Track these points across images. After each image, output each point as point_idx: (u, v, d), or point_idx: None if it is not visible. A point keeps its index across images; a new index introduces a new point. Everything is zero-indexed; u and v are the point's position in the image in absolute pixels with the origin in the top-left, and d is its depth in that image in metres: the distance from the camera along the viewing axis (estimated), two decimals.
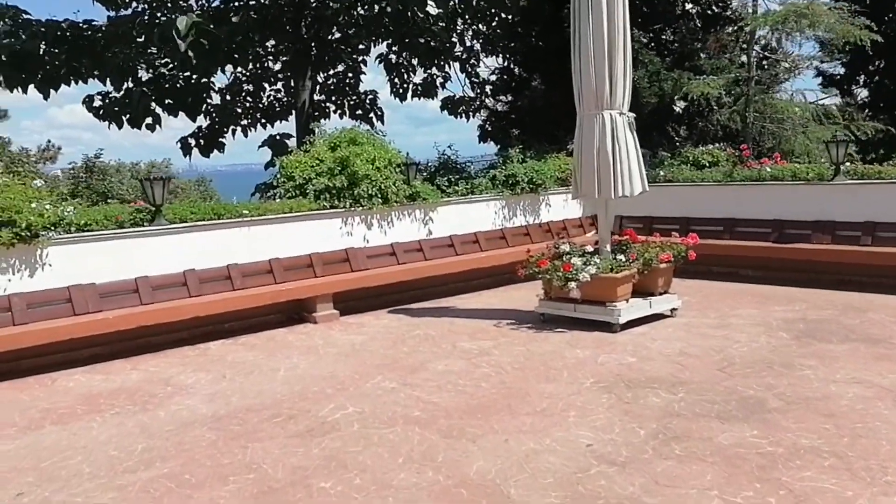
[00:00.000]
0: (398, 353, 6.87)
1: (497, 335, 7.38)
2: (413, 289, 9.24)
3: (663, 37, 13.63)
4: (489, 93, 17.37)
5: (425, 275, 9.18)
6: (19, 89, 12.27)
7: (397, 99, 17.42)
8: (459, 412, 5.21)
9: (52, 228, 6.99)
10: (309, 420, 5.18)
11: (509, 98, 17.40)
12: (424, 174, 10.20)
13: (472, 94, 17.19)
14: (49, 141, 24.31)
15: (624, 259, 7.62)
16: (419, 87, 17.00)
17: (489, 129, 17.36)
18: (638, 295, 7.60)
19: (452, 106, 17.12)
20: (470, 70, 16.81)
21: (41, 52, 11.99)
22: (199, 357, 7.08)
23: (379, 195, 9.13)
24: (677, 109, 13.85)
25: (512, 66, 16.70)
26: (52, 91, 12.66)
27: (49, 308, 6.91)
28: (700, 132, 13.29)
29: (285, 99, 16.63)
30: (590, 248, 7.84)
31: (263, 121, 16.46)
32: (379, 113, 16.95)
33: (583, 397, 5.42)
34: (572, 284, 7.36)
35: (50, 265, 7.00)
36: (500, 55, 16.84)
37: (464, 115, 17.27)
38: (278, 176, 9.36)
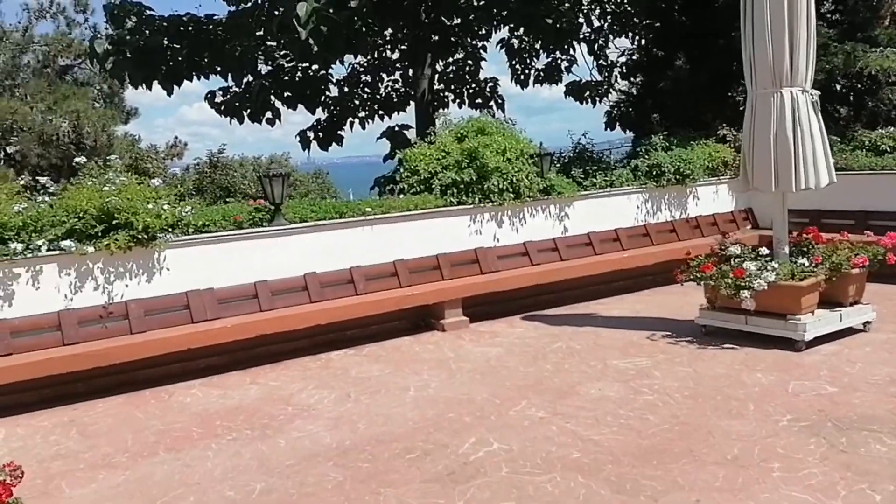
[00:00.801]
0: (541, 372, 6.00)
1: (653, 351, 6.37)
2: (548, 292, 8.33)
3: (824, 5, 11.98)
4: (619, 76, 16.13)
5: (562, 277, 8.25)
6: (143, 86, 12.25)
7: (518, 86, 16.50)
8: (629, 456, 4.28)
9: (170, 230, 6.57)
10: (448, 458, 4.40)
11: (642, 80, 16.04)
12: (557, 165, 9.25)
13: (599, 78, 16.03)
14: (176, 137, 25.09)
15: (807, 263, 6.42)
16: (541, 73, 16.01)
17: (619, 114, 16.11)
18: (823, 306, 6.38)
19: (578, 91, 16.02)
20: (598, 52, 15.63)
21: (164, 48, 11.90)
22: (321, 370, 6.48)
23: (510, 189, 8.27)
24: (838, 87, 12.17)
25: (648, 45, 15.35)
26: (174, 87, 12.60)
27: (167, 315, 6.50)
28: (870, 113, 11.58)
29: (402, 90, 16.07)
30: (764, 250, 6.65)
31: (381, 112, 15.96)
32: (500, 101, 16.07)
33: (782, 441, 4.36)
34: (745, 293, 6.23)
35: (167, 269, 6.58)
36: (634, 34, 15.54)
37: (589, 100, 16.14)
38: (401, 170, 8.68)
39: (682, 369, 5.82)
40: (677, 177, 9.50)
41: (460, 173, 8.18)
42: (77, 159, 6.83)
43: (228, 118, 13.76)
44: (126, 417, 5.58)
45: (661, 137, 9.93)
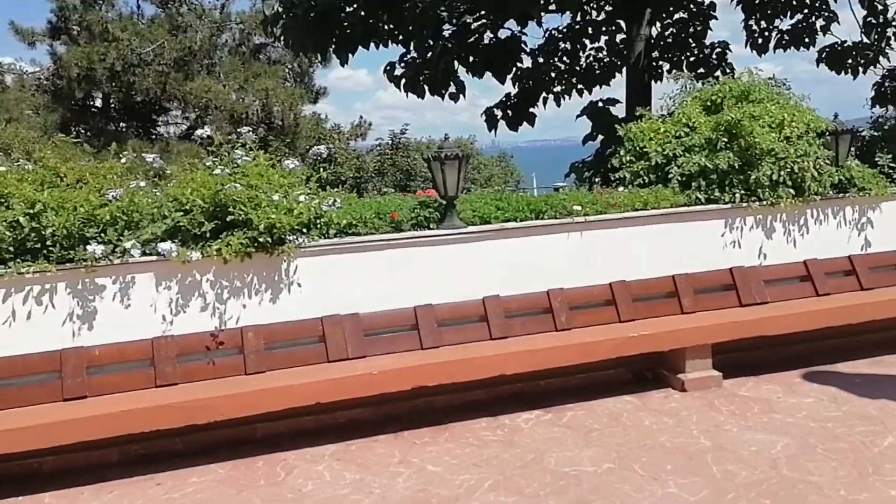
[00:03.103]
0: (881, 499, 3.46)
1: None
2: (838, 335, 5.62)
3: None
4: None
5: (865, 316, 5.50)
6: (313, 55, 10.79)
7: (754, 52, 13.36)
8: None
9: (304, 231, 4.73)
10: None
11: None
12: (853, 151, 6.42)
13: (866, 40, 12.48)
14: (361, 117, 24.14)
15: None
16: (785, 36, 12.76)
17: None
18: None
19: (836, 58, 12.63)
20: (871, 4, 12.09)
21: (338, 9, 10.35)
22: (503, 449, 4.35)
23: (788, 182, 5.64)
24: None
25: None
26: (349, 55, 11.07)
27: (294, 350, 4.69)
28: None
29: (607, 59, 13.58)
30: None
31: (580, 86, 13.57)
32: (728, 72, 13.02)
33: None
34: None
35: (298, 285, 4.75)
36: None
37: (850, 70, 12.72)
38: (620, 153, 6.31)
39: None
40: None
41: (713, 157, 5.69)
42: (242, 128, 5.14)
43: (408, 93, 12.11)
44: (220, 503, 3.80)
45: None
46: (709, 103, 6.23)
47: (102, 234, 4.34)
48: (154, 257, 4.41)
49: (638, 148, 6.17)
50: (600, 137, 11.80)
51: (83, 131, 22.10)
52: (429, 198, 5.33)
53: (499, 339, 5.01)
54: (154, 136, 23.15)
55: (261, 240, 4.52)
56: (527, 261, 5.24)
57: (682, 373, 5.14)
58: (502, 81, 11.52)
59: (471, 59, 10.77)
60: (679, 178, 5.77)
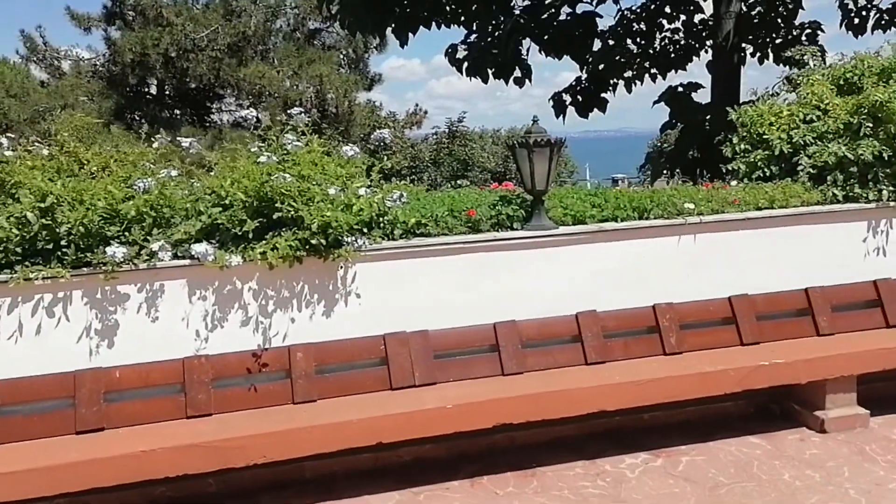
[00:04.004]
0: None
1: None
2: None
3: None
4: None
5: None
6: (371, 36, 10.02)
7: (850, 32, 12.08)
8: None
9: (365, 231, 3.94)
10: None
11: None
12: None
13: None
14: (417, 105, 23.32)
15: None
16: (884, 15, 11.48)
17: None
18: None
19: None
20: None
21: None
22: (605, 500, 3.50)
23: None
24: None
25: None
26: (409, 35, 10.27)
27: (350, 375, 3.91)
28: None
29: (683, 41, 12.51)
30: None
31: (653, 70, 12.52)
32: (819, 54, 11.76)
33: None
34: None
35: (357, 295, 3.97)
36: None
37: None
38: (733, 140, 5.36)
39: None
40: None
41: (853, 146, 4.69)
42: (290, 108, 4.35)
43: (471, 76, 11.28)
44: None
45: None
46: (842, 82, 5.22)
47: (126, 234, 3.62)
48: (187, 261, 3.67)
49: (755, 135, 5.21)
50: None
51: (137, 118, 21.89)
52: (510, 192, 4.49)
53: (595, 364, 4.14)
54: (208, 124, 22.81)
55: (313, 241, 3.74)
56: (629, 269, 4.36)
57: (820, 409, 4.20)
58: (582, 63, 10.62)
59: (544, 37, 9.83)
60: (810, 171, 4.80)
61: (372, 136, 4.37)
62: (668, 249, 4.43)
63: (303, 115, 4.38)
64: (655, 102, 11.82)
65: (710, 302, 4.43)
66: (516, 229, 4.25)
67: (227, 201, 3.76)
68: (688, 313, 4.38)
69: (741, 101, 11.17)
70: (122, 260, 3.50)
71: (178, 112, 22.82)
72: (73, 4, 23.95)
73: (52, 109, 18.75)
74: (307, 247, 3.76)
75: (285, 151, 4.07)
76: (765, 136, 5.14)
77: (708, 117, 11.32)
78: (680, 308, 4.37)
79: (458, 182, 18.05)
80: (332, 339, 3.90)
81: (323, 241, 3.77)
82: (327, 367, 3.88)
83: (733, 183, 5.10)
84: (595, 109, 12.24)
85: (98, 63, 21.90)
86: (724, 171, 5.35)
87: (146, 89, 22.59)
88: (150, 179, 3.77)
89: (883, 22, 11.59)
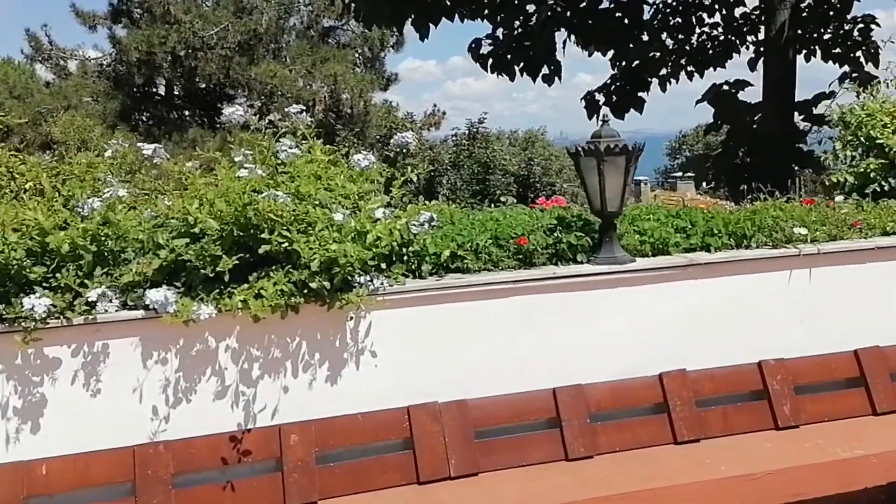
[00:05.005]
0: None
1: None
2: None
3: None
4: None
5: None
6: (388, 30, 9.08)
7: None
8: None
9: (384, 268, 2.94)
10: None
11: None
12: None
13: None
14: (435, 105, 22.35)
15: None
16: None
17: None
18: None
19: None
20: None
21: None
22: None
23: None
24: None
25: None
26: (431, 26, 9.33)
27: (370, 462, 2.91)
28: None
29: (722, 36, 11.49)
30: None
31: (689, 67, 11.50)
32: (872, 51, 10.68)
33: None
34: None
35: (372, 354, 2.97)
36: None
37: None
38: (836, 146, 4.32)
39: None
40: None
41: None
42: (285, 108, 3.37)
43: (497, 73, 10.34)
44: None
45: None
46: None
47: (56, 276, 2.64)
48: (140, 313, 2.69)
49: (866, 139, 4.18)
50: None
51: (144, 120, 21.10)
52: (568, 211, 3.48)
53: (687, 444, 3.12)
54: (217, 126, 21.98)
55: (313, 284, 2.75)
56: (726, 314, 3.33)
57: None
58: (625, 59, 9.64)
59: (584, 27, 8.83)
60: None
61: (392, 141, 3.39)
62: (777, 287, 3.40)
63: (303, 112, 3.39)
64: (699, 102, 10.82)
65: (832, 357, 3.40)
66: (580, 262, 3.24)
67: (195, 230, 2.78)
68: (803, 372, 3.34)
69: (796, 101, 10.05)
70: (45, 314, 2.52)
71: (186, 113, 22.02)
72: (79, 2, 23.14)
73: (54, 111, 17.99)
74: (305, 291, 2.77)
75: (278, 161, 3.09)
76: (878, 141, 4.11)
77: (757, 117, 10.33)
78: (793, 365, 3.33)
79: (480, 188, 17.05)
80: (338, 415, 2.90)
81: (326, 284, 2.77)
82: (332, 454, 2.87)
83: (839, 199, 4.07)
84: (631, 109, 11.27)
85: (104, 63, 21.14)
86: (825, 183, 4.33)
87: (153, 89, 21.80)
88: (93, 200, 2.79)
89: None
